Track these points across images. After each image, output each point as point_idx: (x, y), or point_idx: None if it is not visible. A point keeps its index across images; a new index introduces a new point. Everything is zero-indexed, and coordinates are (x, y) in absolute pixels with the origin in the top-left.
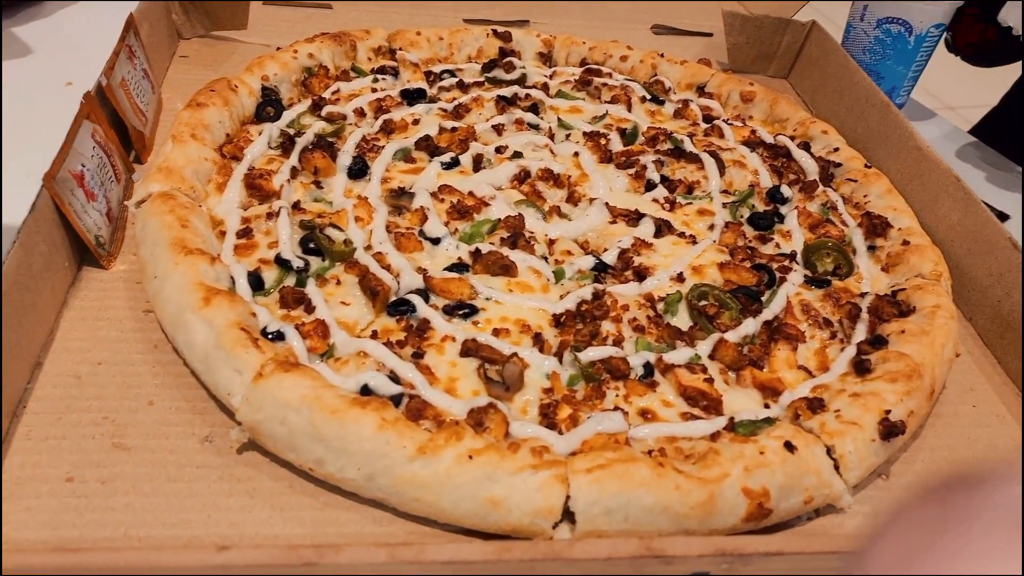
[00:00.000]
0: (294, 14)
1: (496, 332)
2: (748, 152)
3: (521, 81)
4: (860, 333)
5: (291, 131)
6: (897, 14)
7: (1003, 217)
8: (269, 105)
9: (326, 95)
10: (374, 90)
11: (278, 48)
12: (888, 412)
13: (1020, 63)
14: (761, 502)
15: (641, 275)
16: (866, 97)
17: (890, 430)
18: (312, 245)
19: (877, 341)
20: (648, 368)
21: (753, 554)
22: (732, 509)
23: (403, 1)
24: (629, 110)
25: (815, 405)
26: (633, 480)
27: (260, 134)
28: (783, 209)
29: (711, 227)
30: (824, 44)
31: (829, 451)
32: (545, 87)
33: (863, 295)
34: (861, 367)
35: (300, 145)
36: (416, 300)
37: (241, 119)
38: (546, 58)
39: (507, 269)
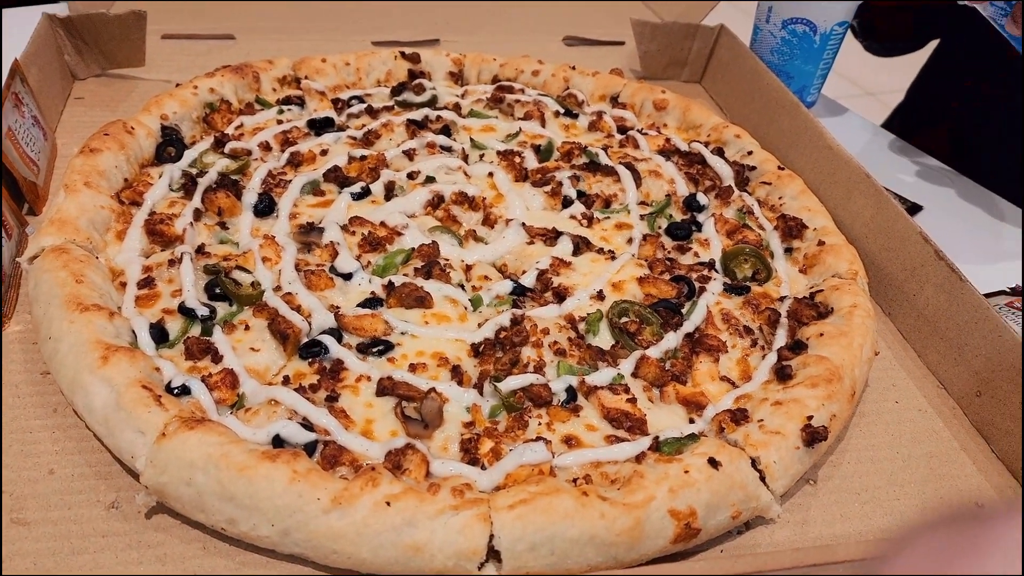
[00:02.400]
0: (194, 47)
1: (413, 368)
2: (663, 161)
3: (432, 103)
4: (780, 338)
5: (193, 171)
6: (801, 14)
7: (916, 208)
8: (170, 145)
9: (229, 131)
10: (280, 122)
11: (177, 84)
12: (810, 418)
13: (925, 54)
14: (688, 522)
15: (561, 296)
16: (776, 99)
17: (813, 436)
18: (218, 290)
19: (797, 346)
20: (571, 392)
21: None
22: (660, 532)
23: (310, 22)
24: (543, 126)
25: (738, 416)
26: (556, 513)
27: (160, 176)
28: (700, 217)
29: (629, 240)
30: (733, 48)
31: (754, 463)
32: (457, 107)
33: (782, 299)
34: (782, 374)
35: (203, 185)
36: (328, 341)
37: (140, 162)
38: (457, 77)
39: (422, 300)
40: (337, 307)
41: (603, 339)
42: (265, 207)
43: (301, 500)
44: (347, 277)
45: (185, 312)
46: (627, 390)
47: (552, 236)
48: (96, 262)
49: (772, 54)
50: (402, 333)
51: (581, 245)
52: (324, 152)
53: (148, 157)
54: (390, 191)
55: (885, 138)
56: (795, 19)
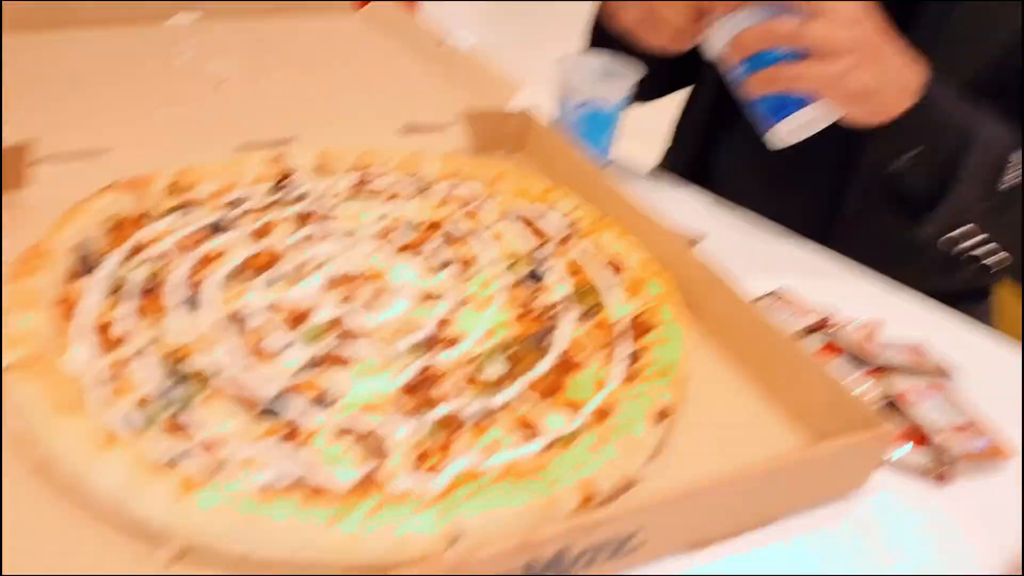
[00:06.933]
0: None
1: (354, 414)
2: (509, 223)
3: (304, 197)
4: (625, 350)
5: (114, 281)
6: (592, 96)
7: (698, 239)
8: (85, 261)
9: (136, 240)
10: (178, 229)
11: (78, 202)
12: (658, 403)
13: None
14: (590, 493)
15: (453, 343)
16: (585, 164)
17: (662, 415)
18: (177, 378)
19: (637, 354)
20: (480, 415)
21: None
22: (569, 502)
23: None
24: (407, 205)
25: (607, 410)
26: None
27: (87, 289)
28: (547, 264)
29: (497, 291)
30: (539, 129)
31: (624, 441)
32: (326, 197)
33: (619, 321)
34: (631, 375)
35: (128, 293)
36: (284, 403)
37: (64, 279)
38: (323, 170)
39: (345, 362)
40: (281, 376)
41: (494, 371)
42: (191, 303)
43: (309, 522)
44: (278, 352)
45: (151, 400)
46: (521, 405)
47: (434, 298)
48: (59, 368)
49: (572, 128)
50: (336, 390)
51: (458, 303)
52: (224, 252)
53: (69, 273)
54: (289, 277)
55: (658, 178)
56: (585, 102)
